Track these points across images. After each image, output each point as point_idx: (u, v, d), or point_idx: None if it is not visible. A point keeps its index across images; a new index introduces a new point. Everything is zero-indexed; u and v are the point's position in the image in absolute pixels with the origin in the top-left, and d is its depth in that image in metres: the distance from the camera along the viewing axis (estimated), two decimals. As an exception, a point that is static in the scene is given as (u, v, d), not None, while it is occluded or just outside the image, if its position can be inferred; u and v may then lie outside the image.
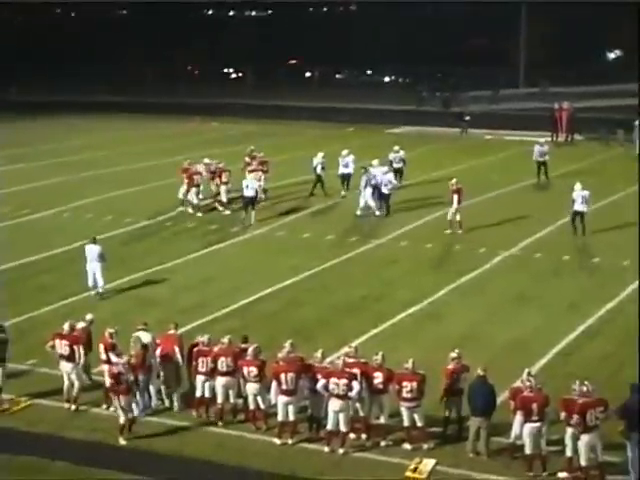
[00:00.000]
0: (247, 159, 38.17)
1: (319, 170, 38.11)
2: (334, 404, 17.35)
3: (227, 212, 35.48)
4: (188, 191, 35.49)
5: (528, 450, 16.59)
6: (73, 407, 18.91)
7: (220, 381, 18.38)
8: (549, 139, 52.53)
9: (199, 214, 35.32)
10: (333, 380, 17.32)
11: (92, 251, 26.21)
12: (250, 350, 18.29)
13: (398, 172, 39.45)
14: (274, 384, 17.83)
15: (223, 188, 36.09)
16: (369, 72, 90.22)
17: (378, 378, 17.57)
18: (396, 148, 40.34)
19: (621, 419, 16.64)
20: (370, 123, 61.54)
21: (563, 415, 16.40)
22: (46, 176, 42.45)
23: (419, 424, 17.55)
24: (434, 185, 39.55)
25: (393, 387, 17.57)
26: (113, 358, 18.81)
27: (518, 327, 23.68)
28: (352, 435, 17.75)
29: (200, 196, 36.12)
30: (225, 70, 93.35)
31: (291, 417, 17.76)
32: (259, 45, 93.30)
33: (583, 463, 16.25)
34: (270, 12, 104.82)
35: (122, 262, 29.08)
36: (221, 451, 17.41)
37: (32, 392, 19.65)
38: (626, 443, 16.52)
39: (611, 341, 22.73)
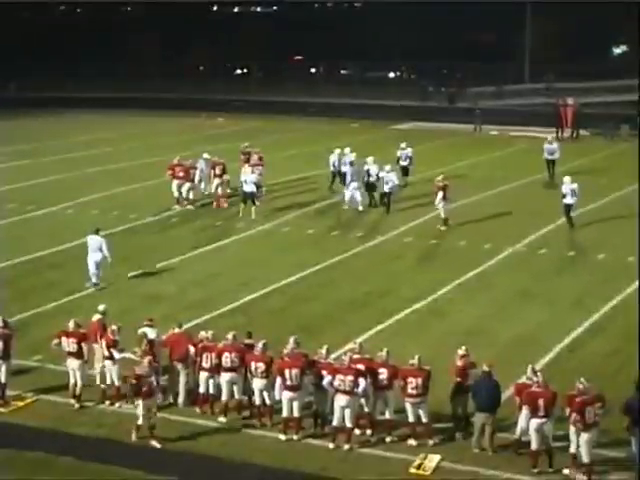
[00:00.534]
0: (242, 156, 38.23)
1: (337, 165, 37.67)
2: (340, 400, 17.37)
3: (225, 205, 35.81)
4: (180, 186, 35.64)
5: (534, 446, 16.59)
6: (77, 405, 18.94)
7: (225, 377, 18.41)
8: (554, 135, 52.46)
9: (190, 207, 35.49)
10: (339, 376, 17.34)
11: (94, 242, 26.46)
12: (259, 345, 18.30)
13: (405, 170, 39.29)
14: (278, 380, 17.85)
15: (216, 181, 36.26)
16: (374, 68, 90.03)
17: (383, 374, 17.58)
18: (403, 145, 40.07)
19: (625, 415, 16.64)
20: (375, 119, 61.49)
21: (568, 411, 16.41)
22: (52, 172, 42.48)
23: (424, 420, 17.56)
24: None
25: (398, 383, 17.58)
26: (115, 354, 18.89)
27: (523, 323, 23.68)
28: (357, 431, 17.78)
29: (205, 192, 36.29)
30: (230, 66, 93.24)
31: (296, 413, 17.77)
32: (264, 41, 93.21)
33: (585, 460, 16.25)
34: (275, 8, 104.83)
35: (128, 258, 29.10)
36: (226, 447, 17.43)
37: (37, 388, 19.69)
38: (631, 439, 16.51)
39: (616, 337, 22.72)
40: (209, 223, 33.90)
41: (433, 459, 16.88)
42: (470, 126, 57.92)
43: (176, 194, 35.67)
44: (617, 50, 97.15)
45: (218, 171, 36.07)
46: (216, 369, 18.53)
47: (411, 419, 17.59)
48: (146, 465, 16.73)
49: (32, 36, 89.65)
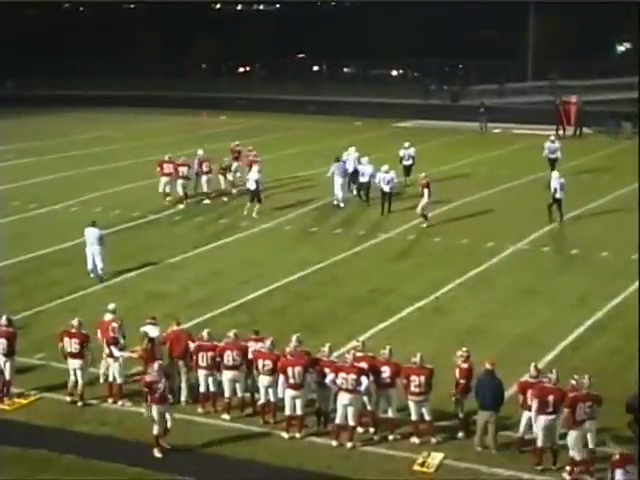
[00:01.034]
0: (231, 154, 38.42)
1: (355, 164, 36.87)
2: (343, 398, 17.38)
3: (207, 201, 36.15)
4: (166, 184, 35.95)
5: (540, 443, 16.59)
6: (80, 403, 18.95)
7: (227, 375, 18.40)
8: (555, 134, 52.49)
9: (181, 206, 35.65)
10: (341, 375, 17.34)
11: (91, 234, 26.83)
12: (268, 343, 18.29)
13: (407, 169, 39.16)
14: (281, 378, 17.85)
15: (204, 178, 36.51)
16: (377, 66, 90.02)
17: (385, 372, 17.58)
18: (406, 144, 39.86)
19: (628, 413, 16.64)
20: (378, 117, 61.47)
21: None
22: (54, 170, 42.50)
23: (427, 418, 17.56)
24: (441, 179, 39.49)
25: (401, 381, 17.58)
26: (115, 352, 18.92)
27: (526, 321, 23.68)
28: (360, 429, 17.79)
29: (206, 189, 36.45)
30: (233, 64, 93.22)
31: (299, 411, 17.78)
32: (267, 39, 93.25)
33: (578, 457, 16.23)
34: (277, 6, 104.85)
35: (130, 256, 29.14)
36: (229, 445, 17.44)
37: (41, 386, 19.71)
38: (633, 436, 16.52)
39: (619, 335, 22.70)
40: (211, 221, 33.92)
41: (436, 457, 16.88)
42: (473, 124, 57.89)
43: (160, 190, 36.00)
44: (620, 48, 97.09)
45: (205, 168, 36.33)
46: (213, 367, 18.51)
47: (414, 417, 17.59)
48: (149, 463, 16.73)
49: (33, 34, 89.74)
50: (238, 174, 37.81)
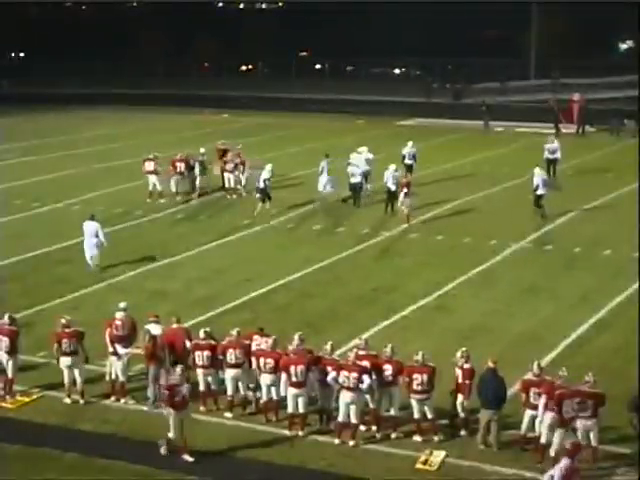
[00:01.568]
0: (218, 153, 38.75)
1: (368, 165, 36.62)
2: (345, 396, 17.37)
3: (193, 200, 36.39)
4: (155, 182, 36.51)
5: (543, 440, 16.58)
6: (82, 401, 18.96)
7: (229, 373, 18.39)
8: (554, 133, 52.64)
9: (178, 198, 36.42)
10: (343, 373, 17.33)
11: (89, 227, 27.64)
12: (270, 341, 18.27)
13: (409, 168, 39.02)
14: (284, 376, 17.84)
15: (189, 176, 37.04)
16: (379, 64, 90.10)
17: (388, 370, 17.57)
18: (410, 144, 39.68)
19: (631, 412, 16.62)
20: (381, 115, 61.44)
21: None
22: (57, 169, 42.52)
23: (429, 416, 17.56)
24: (444, 177, 39.49)
25: (403, 380, 17.57)
26: (120, 350, 18.93)
27: (529, 319, 23.67)
28: (362, 427, 17.80)
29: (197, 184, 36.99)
30: (235, 63, 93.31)
31: (301, 409, 17.78)
32: (269, 38, 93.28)
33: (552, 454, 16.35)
34: (280, 5, 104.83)
35: (133, 254, 29.16)
36: (231, 443, 17.44)
37: (43, 384, 19.71)
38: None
39: (622, 333, 22.69)
40: (214, 219, 33.92)
41: (438, 455, 16.88)
42: (475, 122, 57.85)
43: (150, 187, 36.53)
44: (623, 46, 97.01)
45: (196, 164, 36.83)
46: (210, 365, 18.46)
47: (416, 415, 17.58)
48: (151, 461, 16.72)
49: (34, 33, 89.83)
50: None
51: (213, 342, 18.64)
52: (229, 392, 18.44)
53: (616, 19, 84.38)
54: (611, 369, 19.82)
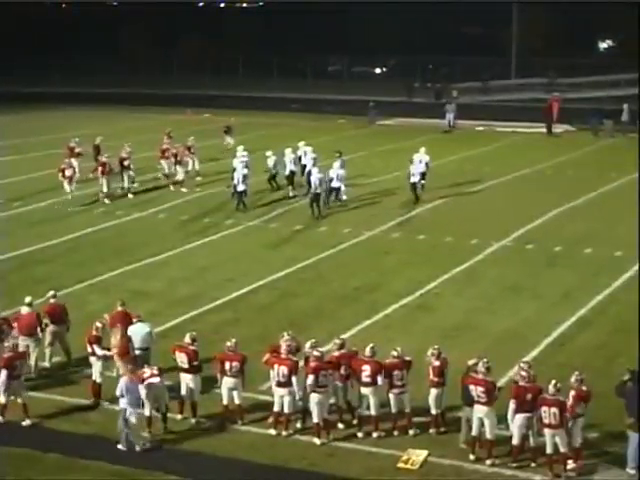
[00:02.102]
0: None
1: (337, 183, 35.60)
2: (313, 397, 17.45)
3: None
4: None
5: (515, 441, 16.63)
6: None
7: (227, 383, 18.09)
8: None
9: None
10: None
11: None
12: (283, 347, 17.93)
13: (422, 175, 36.60)
14: (310, 378, 17.56)
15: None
16: (360, 63, 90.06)
17: (366, 371, 17.55)
18: (422, 150, 37.51)
19: (619, 397, 16.61)
20: (361, 115, 61.40)
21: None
22: (40, 168, 42.27)
23: (407, 410, 17.61)
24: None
25: (383, 380, 17.54)
26: (98, 351, 18.90)
27: (511, 317, 23.71)
28: (341, 426, 17.88)
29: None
30: (217, 62, 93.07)
31: (286, 409, 17.73)
32: (251, 37, 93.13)
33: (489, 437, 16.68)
34: (261, 4, 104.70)
35: (115, 254, 29.10)
36: (213, 442, 17.40)
37: (26, 385, 19.61)
38: (629, 435, 16.43)
39: (604, 331, 22.77)
40: (196, 219, 33.84)
41: (420, 454, 16.87)
42: (459, 122, 57.79)
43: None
44: (603, 45, 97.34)
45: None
46: (191, 371, 18.25)
47: (394, 410, 17.64)
48: (132, 461, 16.67)
49: (16, 32, 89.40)
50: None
51: (195, 347, 18.41)
52: (224, 401, 18.14)
53: (596, 19, 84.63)
54: (593, 367, 19.85)
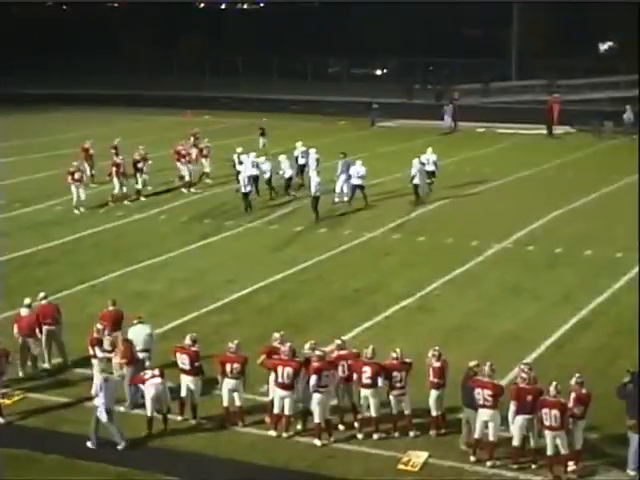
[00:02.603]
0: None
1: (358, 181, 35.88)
2: (315, 397, 17.44)
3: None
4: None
5: (516, 442, 16.63)
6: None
7: (228, 384, 18.06)
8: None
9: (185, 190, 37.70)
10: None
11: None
12: (286, 349, 17.87)
13: (429, 174, 37.50)
14: (313, 378, 17.46)
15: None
16: (360, 65, 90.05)
17: (367, 372, 17.54)
18: (429, 150, 38.15)
19: (621, 398, 16.60)
20: (361, 116, 61.37)
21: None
22: (40, 169, 42.33)
23: (407, 412, 17.60)
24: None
25: (384, 382, 17.53)
26: (99, 353, 18.91)
27: (512, 319, 23.70)
28: (341, 427, 17.88)
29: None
30: (217, 63, 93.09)
31: (287, 411, 17.71)
32: (251, 38, 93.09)
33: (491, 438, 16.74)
34: (262, 5, 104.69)
35: (116, 255, 29.10)
36: (213, 444, 17.40)
37: (24, 386, 19.64)
38: (629, 437, 16.42)
39: (605, 332, 22.76)
40: (197, 220, 33.84)
41: (421, 456, 16.87)
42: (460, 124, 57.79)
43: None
44: (603, 46, 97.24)
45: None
46: (193, 372, 18.22)
47: (394, 412, 17.64)
48: (133, 463, 16.67)
49: (16, 33, 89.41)
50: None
51: (196, 349, 18.40)
52: (225, 403, 18.13)
53: (596, 20, 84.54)
54: (593, 368, 19.85)
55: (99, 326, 19.33)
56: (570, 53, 79.52)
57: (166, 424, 17.78)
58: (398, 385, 17.52)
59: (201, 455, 17.01)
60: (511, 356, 20.23)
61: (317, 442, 17.39)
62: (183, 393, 18.33)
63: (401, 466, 16.59)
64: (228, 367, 17.95)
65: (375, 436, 17.60)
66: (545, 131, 54.98)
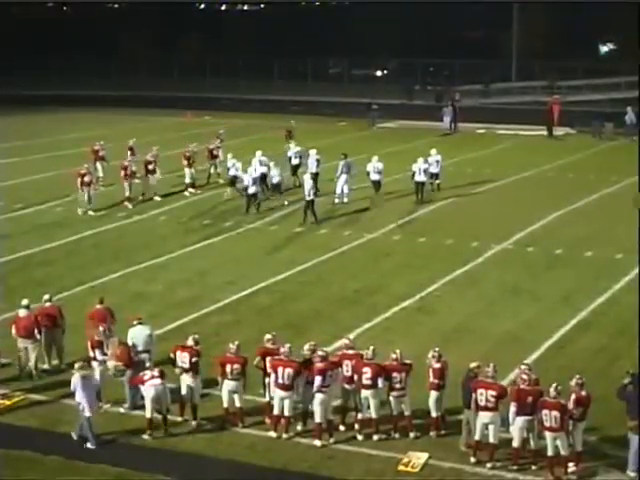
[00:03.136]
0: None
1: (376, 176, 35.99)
2: (317, 397, 17.43)
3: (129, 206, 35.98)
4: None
5: (516, 443, 16.62)
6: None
7: (228, 385, 18.04)
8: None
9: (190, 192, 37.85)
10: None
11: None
12: (286, 349, 17.84)
13: (433, 176, 37.58)
14: (317, 379, 17.48)
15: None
16: (361, 66, 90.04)
17: (367, 373, 17.54)
18: (433, 152, 38.05)
19: (621, 400, 16.59)
20: (362, 117, 61.37)
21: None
22: (41, 170, 42.36)
23: (407, 413, 17.59)
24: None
25: (384, 382, 17.53)
26: (99, 356, 18.90)
27: (512, 320, 23.69)
28: (342, 428, 17.87)
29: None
30: (218, 64, 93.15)
31: (287, 412, 17.70)
32: (251, 39, 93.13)
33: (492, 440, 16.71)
34: (262, 6, 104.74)
35: (116, 256, 29.10)
36: (212, 444, 17.39)
37: (24, 387, 19.63)
38: (629, 438, 16.41)
39: (604, 334, 22.75)
40: (197, 221, 33.85)
41: (421, 457, 16.86)
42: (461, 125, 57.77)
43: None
44: (604, 48, 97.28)
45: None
46: (190, 370, 18.24)
47: (395, 413, 17.64)
48: (133, 463, 16.66)
49: (16, 33, 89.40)
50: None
51: (197, 349, 18.38)
52: (225, 404, 18.13)
53: (598, 21, 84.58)
54: (594, 369, 19.85)
55: (100, 328, 19.30)
56: (570, 54, 79.50)
57: (166, 425, 17.78)
58: (398, 386, 17.52)
59: (201, 456, 17.00)
60: (511, 357, 20.21)
61: (317, 443, 17.38)
62: (183, 392, 18.33)
63: (401, 467, 16.59)
64: (228, 368, 17.95)
65: (375, 437, 17.60)
66: (545, 132, 55.03)
